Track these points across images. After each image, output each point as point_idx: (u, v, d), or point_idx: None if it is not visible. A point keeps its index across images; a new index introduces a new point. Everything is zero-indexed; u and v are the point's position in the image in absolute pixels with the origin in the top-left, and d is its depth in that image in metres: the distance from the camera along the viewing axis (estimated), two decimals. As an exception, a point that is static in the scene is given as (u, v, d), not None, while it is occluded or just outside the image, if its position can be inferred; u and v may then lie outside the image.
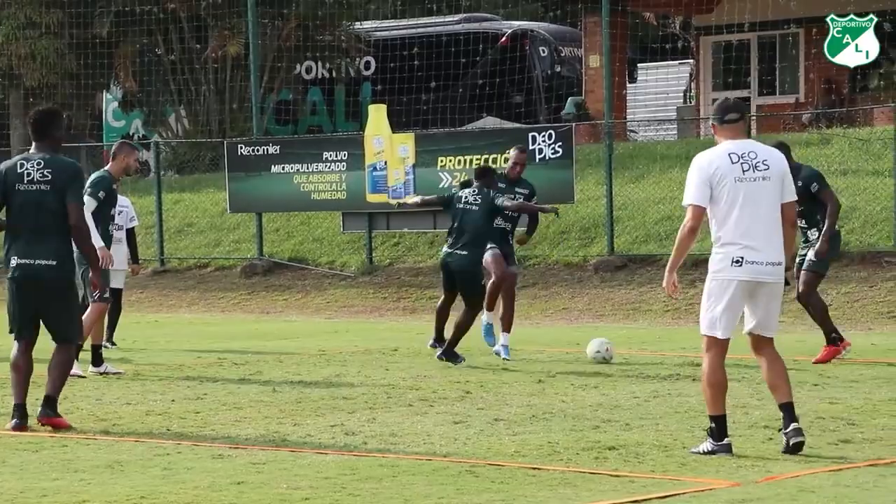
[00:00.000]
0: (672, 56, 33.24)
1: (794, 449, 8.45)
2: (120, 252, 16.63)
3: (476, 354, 14.73)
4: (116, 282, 16.52)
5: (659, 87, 33.15)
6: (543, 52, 31.17)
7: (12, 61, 31.62)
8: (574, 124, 22.79)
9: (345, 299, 22.01)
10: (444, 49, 30.22)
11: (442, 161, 21.54)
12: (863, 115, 25.32)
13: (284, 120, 32.70)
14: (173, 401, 11.47)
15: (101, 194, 13.34)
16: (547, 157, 20.83)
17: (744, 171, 8.56)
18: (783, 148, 12.89)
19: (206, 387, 12.41)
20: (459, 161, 21.46)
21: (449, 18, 32.48)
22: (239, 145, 23.69)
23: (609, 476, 8.01)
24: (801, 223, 13.17)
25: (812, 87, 28.76)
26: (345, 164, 22.38)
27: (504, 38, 30.94)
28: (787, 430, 8.50)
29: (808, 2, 27.36)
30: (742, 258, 8.51)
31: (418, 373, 13.21)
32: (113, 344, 16.26)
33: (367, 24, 33.83)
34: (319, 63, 33.27)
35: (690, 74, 32.43)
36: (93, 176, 13.65)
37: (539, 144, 20.91)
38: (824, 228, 13.42)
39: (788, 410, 8.54)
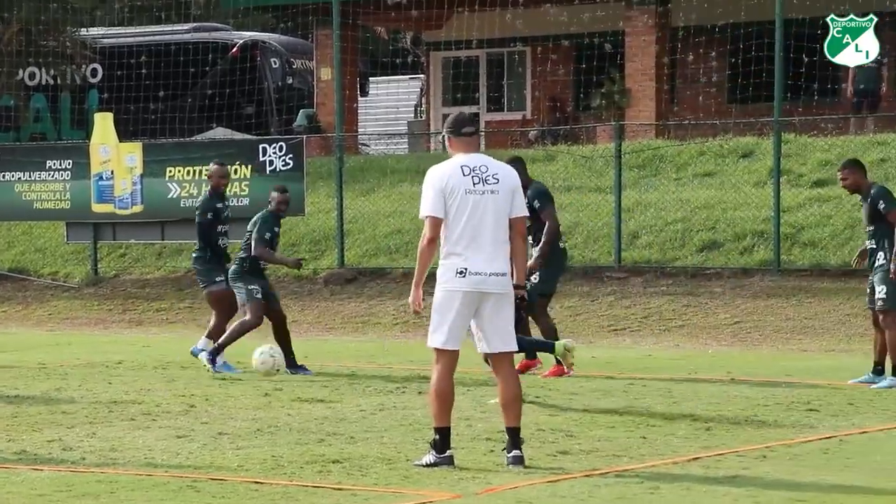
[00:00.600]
0: (403, 70, 33.60)
1: (450, 461, 8.60)
2: None
3: (202, 369, 14.54)
4: None
5: (390, 101, 33.45)
6: (275, 63, 31.05)
7: None
8: (305, 136, 22.80)
9: (68, 311, 21.48)
10: (174, 58, 29.85)
11: (171, 171, 21.26)
12: (586, 132, 26.04)
13: (6, 126, 31.72)
14: None
15: None
16: (278, 169, 20.77)
17: (474, 183, 8.65)
18: (518, 163, 13.20)
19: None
20: (188, 172, 21.21)
21: (179, 27, 32.08)
22: (-44, 152, 22.91)
23: (332, 489, 8.00)
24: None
25: (538, 105, 29.45)
26: (69, 172, 21.87)
27: (235, 49, 30.70)
28: (509, 456, 8.61)
29: (534, 21, 28.02)
30: (466, 269, 8.59)
31: (142, 386, 12.97)
32: None
33: (94, 31, 33.12)
34: (43, 69, 32.41)
35: (421, 89, 32.83)
36: None
37: (270, 156, 20.84)
38: (540, 247, 13.60)
39: (513, 435, 8.63)
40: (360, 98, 30.46)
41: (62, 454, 9.20)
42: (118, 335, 19.55)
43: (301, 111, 29.14)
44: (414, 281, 8.72)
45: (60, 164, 22.04)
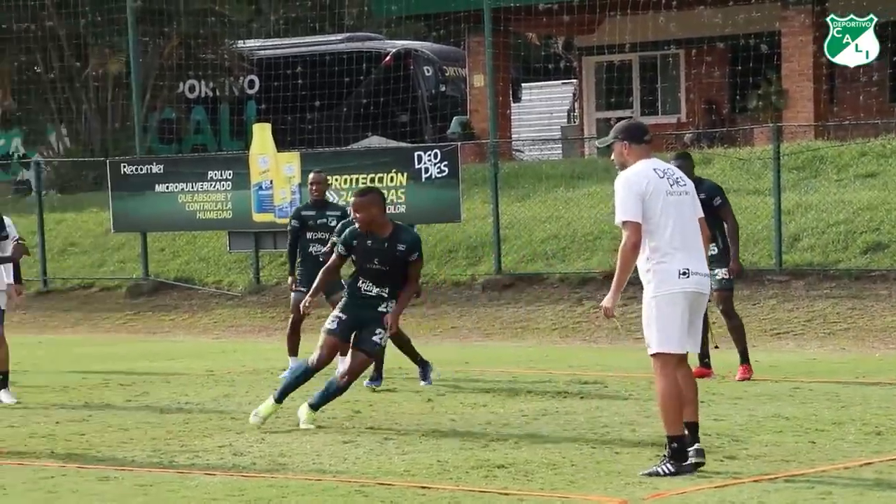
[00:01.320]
0: (556, 76, 33.57)
1: (692, 468, 8.51)
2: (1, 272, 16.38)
3: (365, 375, 14.68)
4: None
5: (543, 106, 33.45)
6: (428, 71, 31.28)
7: None
8: (459, 143, 22.88)
9: (232, 319, 21.86)
10: (329, 68, 30.23)
11: (328, 180, 21.44)
12: (742, 135, 25.76)
13: (168, 139, 32.42)
14: (58, 423, 11.31)
15: None
16: (433, 177, 20.89)
17: (670, 185, 8.62)
18: (688, 159, 13.32)
19: (91, 409, 12.26)
20: (346, 180, 21.44)
21: (333, 37, 32.49)
22: (122, 164, 23.45)
23: (498, 494, 8.04)
24: None
25: (693, 108, 29.20)
26: (230, 182, 22.25)
27: (388, 58, 31.00)
28: (691, 449, 8.55)
29: (688, 23, 27.79)
30: (688, 270, 8.51)
31: (307, 392, 13.13)
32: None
33: (251, 43, 33.70)
34: (203, 81, 33.08)
35: (574, 94, 32.76)
36: None
37: (425, 163, 20.96)
38: (732, 248, 13.57)
39: (693, 430, 8.59)
40: (512, 104, 30.53)
41: (233, 459, 9.38)
42: (281, 342, 19.78)
43: (455, 118, 29.31)
44: (614, 285, 8.54)
45: (221, 175, 22.43)
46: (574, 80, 32.53)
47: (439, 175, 20.86)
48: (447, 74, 31.60)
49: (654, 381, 8.77)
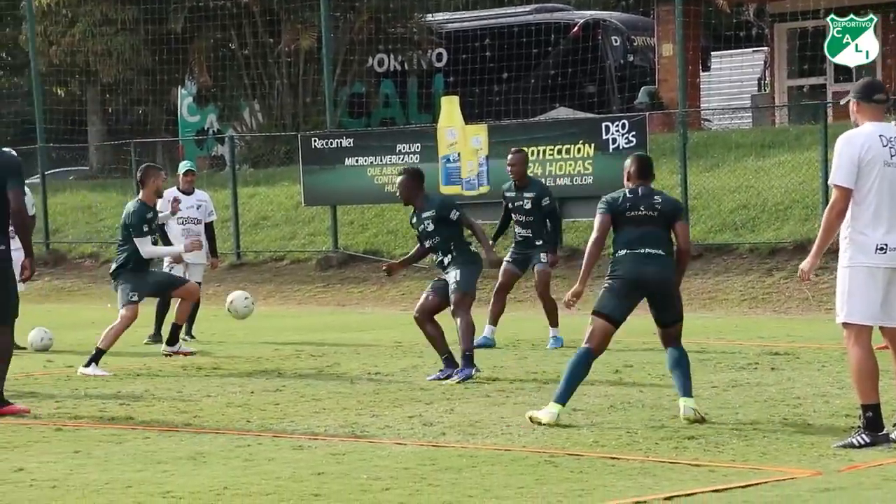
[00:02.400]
0: (746, 44, 33.01)
1: (887, 439, 8.28)
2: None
3: (547, 346, 14.74)
4: (196, 275, 16.71)
5: (733, 75, 32.92)
6: (616, 41, 31.06)
7: (89, 58, 31.98)
8: (647, 113, 22.67)
9: (419, 291, 21.92)
10: (516, 40, 30.19)
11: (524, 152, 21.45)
12: (941, 101, 25.02)
13: (357, 113, 32.79)
14: (252, 393, 11.56)
15: (145, 227, 13.87)
16: (620, 147, 20.75)
17: (891, 155, 8.30)
18: None
19: (284, 379, 12.50)
20: (533, 152, 21.41)
21: (520, 9, 32.46)
22: (313, 139, 23.80)
23: (689, 465, 7.98)
24: None
25: (889, 73, 28.44)
26: (418, 156, 22.41)
27: (576, 28, 30.86)
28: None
29: (885, -13, 27.07)
30: (886, 245, 8.27)
31: (495, 363, 13.22)
32: (192, 337, 16.42)
33: (439, 16, 33.88)
34: (391, 56, 33.35)
35: (765, 62, 32.18)
36: (130, 212, 13.84)
37: (612, 134, 20.85)
38: None
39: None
40: (702, 73, 30.13)
41: (423, 429, 9.48)
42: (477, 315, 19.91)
43: (643, 88, 29.06)
44: (815, 250, 8.39)
45: (409, 148, 22.62)
46: (765, 48, 31.94)
47: (627, 145, 20.70)
48: (635, 44, 31.34)
49: (846, 351, 8.60)
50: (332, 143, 23.30)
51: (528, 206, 14.84)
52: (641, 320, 14.49)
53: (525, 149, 16.71)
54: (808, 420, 9.40)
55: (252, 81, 32.37)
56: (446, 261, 12.53)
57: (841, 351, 13.15)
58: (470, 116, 23.61)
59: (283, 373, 12.97)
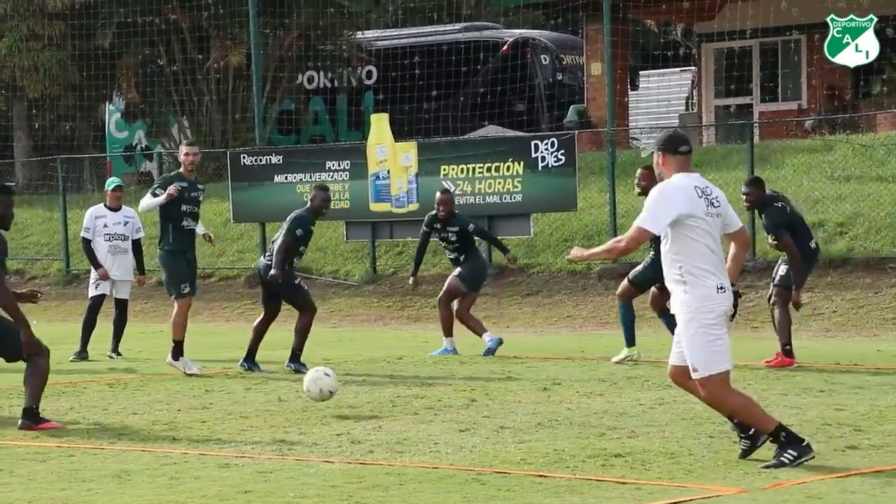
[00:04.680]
0: (674, 63, 33.28)
1: (809, 451, 8.34)
2: (126, 262, 16.71)
3: (481, 363, 14.77)
4: (122, 292, 16.59)
5: (661, 94, 33.20)
6: (545, 59, 31.20)
7: (15, 73, 31.70)
8: (576, 132, 22.79)
9: (349, 308, 22.02)
10: (446, 58, 30.27)
11: (445, 170, 21.55)
12: (865, 121, 25.34)
13: (287, 130, 32.72)
14: (179, 410, 11.48)
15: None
16: (550, 165, 20.84)
17: (707, 206, 8.45)
18: (759, 184, 13.98)
19: (211, 396, 12.42)
20: (462, 170, 21.47)
21: (450, 27, 32.54)
22: (242, 155, 23.72)
23: (615, 483, 8.01)
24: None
25: (814, 94, 28.77)
26: (348, 173, 22.39)
27: (505, 47, 30.97)
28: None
29: (810, 8, 27.38)
30: (723, 286, 8.41)
31: (423, 381, 13.22)
32: (119, 354, 16.29)
33: (369, 34, 33.89)
34: (321, 72, 33.32)
35: (692, 81, 32.47)
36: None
37: (542, 152, 20.93)
38: (797, 278, 13.75)
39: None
40: (630, 92, 30.34)
41: (351, 447, 9.44)
42: (397, 331, 19.95)
43: (571, 107, 29.20)
44: (591, 253, 8.90)
45: (339, 165, 22.59)
46: (693, 68, 32.22)
47: (556, 164, 20.81)
48: (564, 63, 31.50)
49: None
50: (261, 160, 23.23)
51: (454, 238, 16.08)
52: (570, 339, 14.61)
53: (450, 189, 18.36)
54: (733, 438, 9.44)
55: (181, 98, 32.22)
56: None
57: (766, 369, 13.28)
58: (399, 134, 23.62)
59: (210, 390, 12.89)
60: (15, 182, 34.44)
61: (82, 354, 16.19)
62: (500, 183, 21.25)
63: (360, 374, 13.94)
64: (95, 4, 31.02)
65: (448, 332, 15.95)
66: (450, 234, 15.99)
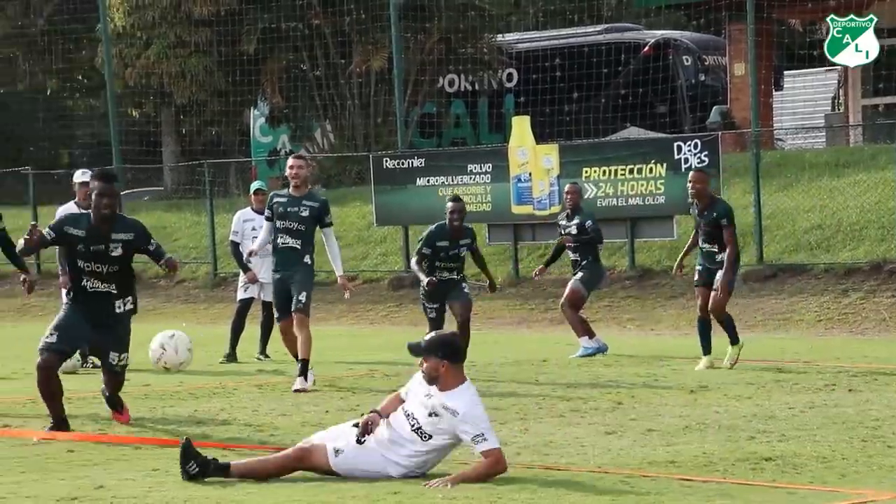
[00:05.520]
0: (819, 63, 32.76)
1: None
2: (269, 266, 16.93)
3: (626, 366, 14.72)
4: (269, 295, 16.81)
5: (806, 94, 32.70)
6: (687, 60, 30.95)
7: (163, 79, 32.30)
8: (720, 133, 22.58)
9: (492, 311, 22.05)
10: (587, 60, 30.18)
11: (586, 172, 21.49)
12: None
13: (428, 133, 32.90)
14: (327, 412, 11.60)
15: None
16: (693, 167, 20.64)
17: None
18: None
19: (358, 398, 12.54)
20: (604, 172, 21.40)
21: (591, 29, 32.43)
22: (384, 159, 23.90)
23: (766, 487, 7.92)
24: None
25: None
26: (489, 175, 22.44)
27: (647, 48, 30.79)
28: None
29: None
30: None
31: (569, 383, 13.20)
32: (267, 356, 16.52)
33: (510, 37, 33.92)
34: (462, 76, 33.43)
35: (839, 81, 31.94)
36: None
37: (684, 154, 20.77)
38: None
39: None
40: (774, 92, 29.95)
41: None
42: (540, 334, 19.95)
43: (714, 108, 28.92)
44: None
45: (481, 168, 22.65)
46: (839, 67, 31.69)
47: (699, 165, 20.61)
48: (707, 63, 31.21)
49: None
50: (403, 164, 23.38)
51: (574, 231, 16.27)
52: (716, 341, 14.49)
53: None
54: (887, 442, 9.31)
55: (324, 102, 32.57)
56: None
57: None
58: (541, 136, 23.61)
59: (356, 392, 13.02)
60: (164, 187, 35.13)
61: (231, 357, 16.45)
62: (642, 185, 21.15)
63: (505, 378, 13.96)
64: (240, 11, 31.49)
65: (588, 332, 15.94)
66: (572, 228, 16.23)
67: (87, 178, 16.39)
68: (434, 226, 15.03)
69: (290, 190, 13.75)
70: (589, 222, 16.28)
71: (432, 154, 24.83)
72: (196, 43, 32.03)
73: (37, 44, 35.11)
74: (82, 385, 13.88)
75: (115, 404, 11.11)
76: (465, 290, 14.80)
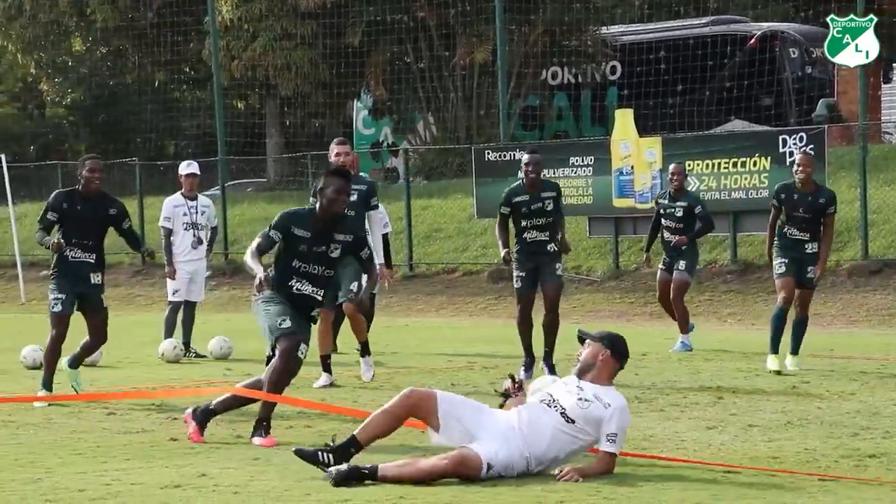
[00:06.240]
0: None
1: None
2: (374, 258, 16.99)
3: (726, 360, 14.61)
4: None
5: (915, 87, 32.22)
6: (794, 53, 30.64)
7: (269, 71, 32.59)
8: (826, 126, 22.32)
9: (591, 304, 21.99)
10: (692, 52, 29.98)
11: (690, 165, 21.32)
12: None
13: (531, 125, 32.87)
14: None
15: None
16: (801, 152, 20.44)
17: None
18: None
19: (458, 389, 12.54)
20: (707, 165, 21.25)
21: (696, 21, 32.21)
22: (486, 151, 23.91)
23: (871, 485, 7.83)
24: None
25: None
26: (591, 168, 22.38)
27: (753, 40, 30.52)
28: None
29: None
30: None
31: (669, 378, 13.13)
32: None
33: (614, 29, 33.79)
34: (565, 68, 33.36)
35: (949, 74, 31.45)
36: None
37: (790, 147, 20.57)
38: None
39: None
40: (883, 85, 29.56)
41: (597, 442, 9.42)
42: (640, 327, 19.84)
43: (821, 101, 28.61)
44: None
45: (583, 161, 22.59)
46: (949, 59, 31.21)
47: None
48: (814, 56, 30.87)
49: None
50: (505, 156, 23.38)
51: (680, 213, 15.94)
52: (819, 337, 14.33)
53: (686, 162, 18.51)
54: None
55: (427, 94, 32.67)
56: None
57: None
58: (644, 129, 23.50)
59: (456, 384, 13.04)
60: (267, 178, 35.46)
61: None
62: (745, 178, 20.97)
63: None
64: (346, 3, 31.69)
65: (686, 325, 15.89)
66: (677, 210, 15.95)
67: (192, 169, 16.57)
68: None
69: None
70: (699, 208, 16.02)
71: (535, 147, 24.77)
72: (302, 35, 32.29)
73: (146, 36, 35.56)
74: (185, 374, 14.07)
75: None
76: (558, 272, 13.80)
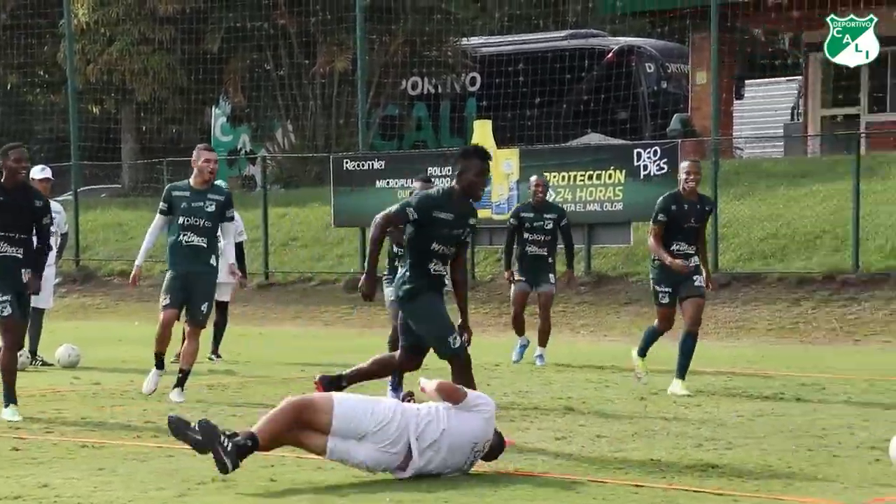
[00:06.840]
0: (780, 73, 32.98)
1: None
2: (224, 265, 16.85)
3: (577, 372, 14.75)
4: (224, 295, 16.76)
5: (766, 104, 32.90)
6: (650, 68, 31.08)
7: (125, 76, 32.18)
8: (680, 140, 22.67)
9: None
10: (550, 65, 30.26)
11: (546, 177, 21.47)
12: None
13: (390, 135, 32.90)
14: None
15: None
16: (651, 174, 20.76)
17: None
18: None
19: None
20: (563, 177, 21.44)
21: (555, 34, 32.52)
22: (344, 160, 23.88)
23: (712, 494, 7.94)
24: None
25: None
26: (449, 179, 22.40)
27: (610, 55, 30.89)
28: None
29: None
30: None
31: (520, 388, 13.21)
32: (219, 356, 16.46)
33: (474, 40, 33.98)
34: (425, 79, 33.46)
35: (798, 91, 32.14)
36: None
37: (644, 161, 20.85)
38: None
39: None
40: (735, 101, 30.10)
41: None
42: (494, 338, 19.92)
43: (675, 115, 29.04)
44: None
45: (441, 171, 22.60)
46: (799, 77, 31.89)
47: (658, 172, 20.71)
48: (669, 71, 31.35)
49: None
50: (363, 165, 23.37)
51: (550, 226, 15.91)
52: (670, 349, 14.52)
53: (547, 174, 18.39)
54: (832, 451, 9.35)
55: (286, 102, 32.52)
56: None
57: (868, 382, 13.11)
58: (501, 141, 23.64)
59: (310, 394, 12.95)
60: (121, 184, 35.00)
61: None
62: (601, 191, 21.20)
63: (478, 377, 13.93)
64: (205, 9, 31.41)
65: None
66: (546, 223, 15.97)
67: (46, 174, 16.24)
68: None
69: (191, 182, 12.71)
70: (565, 221, 16.00)
71: (393, 156, 24.84)
72: (160, 40, 31.94)
73: (-1, 38, 34.93)
74: (30, 382, 13.83)
75: None
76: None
